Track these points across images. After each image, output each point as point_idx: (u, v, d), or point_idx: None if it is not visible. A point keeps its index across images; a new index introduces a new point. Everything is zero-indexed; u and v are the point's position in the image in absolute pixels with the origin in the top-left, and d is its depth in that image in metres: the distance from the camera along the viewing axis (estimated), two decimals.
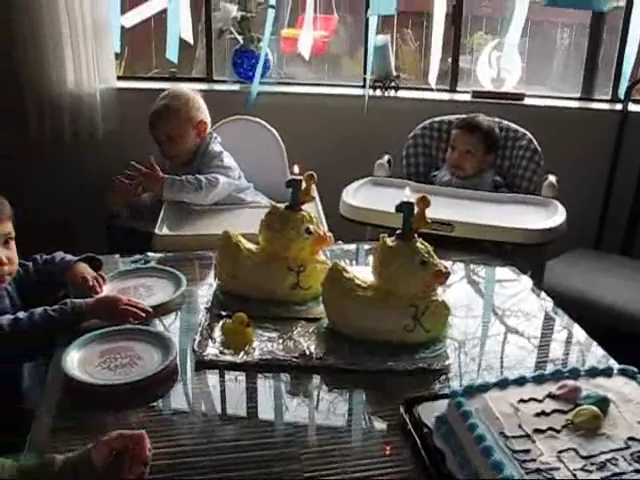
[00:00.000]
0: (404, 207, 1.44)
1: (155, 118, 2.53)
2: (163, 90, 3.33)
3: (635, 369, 1.28)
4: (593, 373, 1.26)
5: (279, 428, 1.28)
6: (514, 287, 1.92)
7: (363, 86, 3.30)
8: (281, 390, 1.38)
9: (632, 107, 3.13)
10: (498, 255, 2.08)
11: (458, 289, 1.89)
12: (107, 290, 1.69)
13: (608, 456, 1.05)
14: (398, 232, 1.47)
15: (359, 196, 2.28)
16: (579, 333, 1.61)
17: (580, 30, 3.45)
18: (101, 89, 3.10)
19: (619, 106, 3.16)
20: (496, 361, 1.50)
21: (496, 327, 1.69)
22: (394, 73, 3.31)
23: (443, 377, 1.40)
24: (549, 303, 1.77)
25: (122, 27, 3.25)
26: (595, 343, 1.55)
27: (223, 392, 1.37)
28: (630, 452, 1.05)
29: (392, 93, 3.30)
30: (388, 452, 1.20)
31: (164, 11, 3.27)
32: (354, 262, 2.04)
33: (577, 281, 2.70)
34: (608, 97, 3.34)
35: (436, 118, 2.73)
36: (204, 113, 2.53)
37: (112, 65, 3.16)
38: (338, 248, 2.02)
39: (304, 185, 1.63)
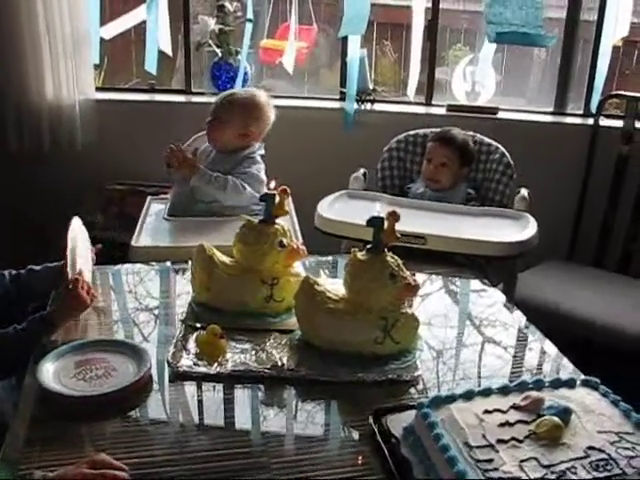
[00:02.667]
0: (374, 222, 1.47)
1: (221, 97, 2.55)
2: (142, 102, 3.37)
3: (597, 380, 1.32)
4: (557, 384, 1.30)
5: (251, 438, 1.30)
6: (490, 297, 1.95)
7: (341, 99, 3.33)
8: (254, 401, 1.41)
9: (604, 122, 3.19)
10: (470, 268, 2.12)
11: (435, 300, 1.94)
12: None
13: (568, 465, 1.08)
14: (369, 246, 1.50)
15: (334, 209, 2.31)
16: (550, 348, 1.64)
17: (556, 45, 3.51)
18: (80, 100, 3.12)
19: (591, 120, 3.22)
20: (473, 371, 1.54)
21: (473, 337, 1.72)
22: (370, 87, 3.35)
23: (420, 387, 1.44)
24: (522, 318, 1.81)
25: (101, 38, 3.27)
26: (565, 359, 1.58)
27: (197, 403, 1.39)
28: (589, 461, 1.09)
29: (368, 106, 3.34)
30: (358, 462, 1.23)
31: (144, 23, 3.30)
32: (330, 274, 2.06)
33: (550, 292, 2.74)
34: (580, 111, 3.40)
35: (411, 132, 2.76)
36: (260, 128, 2.53)
37: (91, 76, 3.18)
38: (315, 260, 2.05)
39: (278, 199, 1.65)
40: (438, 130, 2.67)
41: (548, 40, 3.15)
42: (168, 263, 2.02)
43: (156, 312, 1.74)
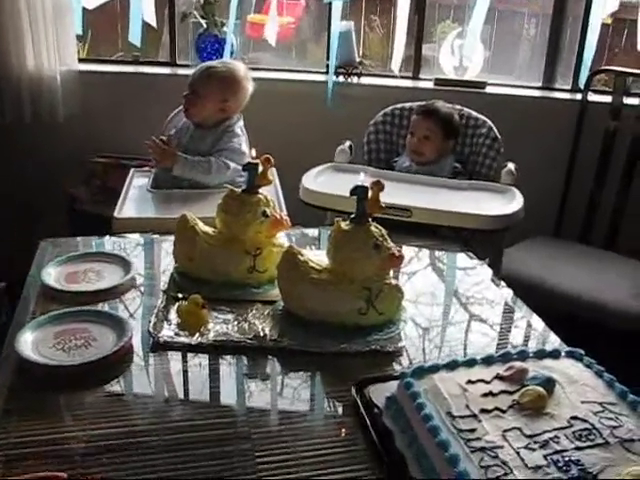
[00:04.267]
0: (358, 191, 1.45)
1: (198, 71, 2.51)
2: (126, 74, 3.33)
3: (582, 351, 1.31)
4: (541, 355, 1.28)
5: (233, 409, 1.28)
6: (477, 274, 1.94)
7: (326, 72, 3.30)
8: (236, 371, 1.39)
9: (592, 97, 3.18)
10: (456, 241, 2.11)
11: (422, 277, 1.92)
12: (55, 275, 1.68)
13: (551, 435, 1.07)
14: (352, 216, 1.48)
15: (319, 181, 2.29)
16: (537, 323, 1.63)
17: (545, 20, 3.49)
18: (62, 71, 3.06)
19: (579, 96, 3.20)
20: (459, 347, 1.52)
21: (459, 314, 1.71)
22: (357, 59, 3.32)
23: (406, 361, 1.42)
24: (509, 293, 1.79)
25: (84, 8, 3.21)
26: (552, 333, 1.57)
27: (178, 373, 1.37)
28: (572, 430, 1.08)
29: (355, 80, 3.31)
30: (340, 432, 1.22)
31: None
32: (314, 247, 2.05)
33: (536, 268, 2.74)
34: (569, 87, 3.38)
35: (397, 105, 2.75)
36: (239, 101, 2.50)
37: (73, 47, 3.12)
38: (300, 232, 2.04)
39: (261, 168, 1.63)
40: (423, 103, 2.65)
41: None
42: (152, 234, 1.99)
43: (140, 284, 1.72)
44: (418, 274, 1.92)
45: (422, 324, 1.59)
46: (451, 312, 1.73)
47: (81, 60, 3.25)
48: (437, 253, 2.06)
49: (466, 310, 1.73)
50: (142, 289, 1.69)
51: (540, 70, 3.46)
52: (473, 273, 1.96)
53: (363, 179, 1.51)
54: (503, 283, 1.84)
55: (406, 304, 1.58)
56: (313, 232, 2.12)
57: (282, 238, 1.73)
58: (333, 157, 2.54)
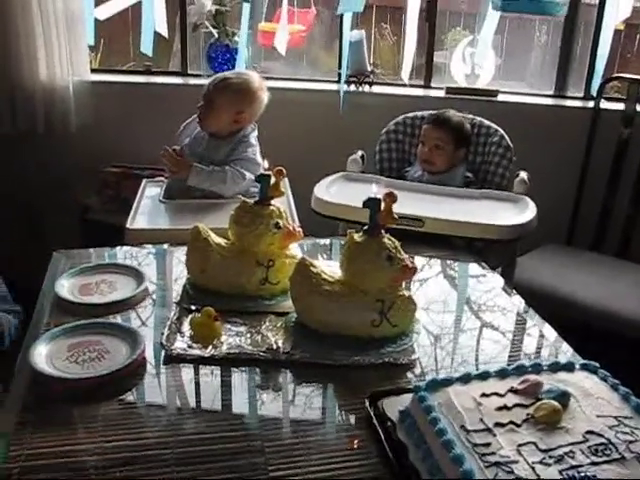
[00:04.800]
0: (370, 203, 1.44)
1: (213, 81, 2.51)
2: (138, 84, 3.34)
3: (597, 364, 1.30)
4: (555, 368, 1.28)
5: (245, 422, 1.28)
6: (489, 282, 1.93)
7: (338, 81, 3.30)
8: (249, 384, 1.39)
9: (604, 104, 3.16)
10: (468, 251, 2.10)
11: (434, 284, 1.92)
12: (68, 287, 1.68)
13: (566, 449, 1.06)
14: (365, 228, 1.48)
15: (331, 191, 2.29)
16: (550, 332, 1.63)
17: (557, 27, 3.48)
18: (74, 82, 3.08)
19: (591, 103, 3.19)
20: (472, 355, 1.52)
21: (471, 322, 1.70)
22: (369, 68, 3.32)
23: (418, 371, 1.42)
24: (521, 302, 1.79)
25: (96, 19, 3.23)
26: (565, 343, 1.57)
27: (190, 386, 1.37)
28: (587, 445, 1.07)
29: (367, 88, 3.31)
30: (353, 445, 1.21)
31: (140, 3, 3.26)
32: (326, 256, 2.04)
33: (548, 276, 2.73)
34: (581, 94, 3.37)
35: (409, 114, 2.74)
36: (254, 112, 2.51)
37: (86, 58, 3.13)
38: (313, 242, 2.04)
39: (273, 180, 1.63)
40: (433, 112, 2.64)
41: (558, 8, 3.07)
42: (165, 245, 2.00)
43: (153, 295, 1.72)
44: (430, 282, 1.92)
45: (434, 332, 1.59)
46: (463, 320, 1.72)
47: (93, 70, 3.26)
48: (449, 262, 2.06)
49: (478, 318, 1.72)
50: (155, 301, 1.69)
51: (552, 77, 3.45)
52: (485, 281, 1.95)
53: (376, 190, 1.51)
54: (515, 292, 1.84)
55: (418, 312, 1.58)
56: (325, 242, 2.12)
57: (295, 249, 1.73)
58: (345, 166, 2.54)
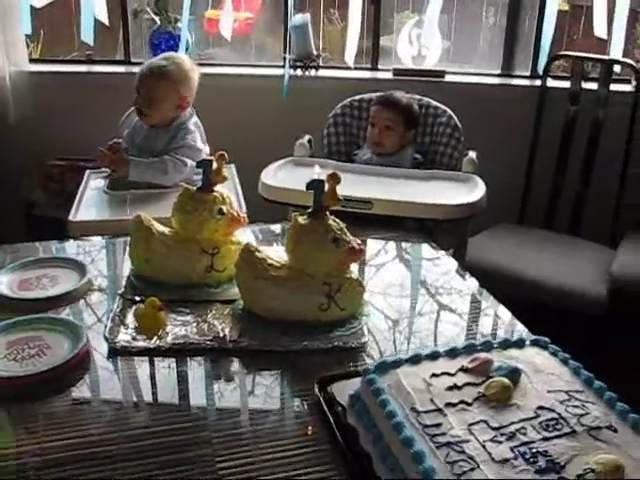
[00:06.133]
0: (314, 184, 1.41)
1: (147, 72, 2.43)
2: (79, 73, 3.26)
3: (547, 339, 1.29)
4: (505, 345, 1.26)
5: (191, 413, 1.24)
6: (444, 265, 1.92)
7: (284, 66, 3.26)
8: (195, 374, 1.35)
9: (551, 83, 3.18)
10: (419, 232, 2.09)
11: (390, 268, 1.90)
12: (7, 282, 1.63)
13: (518, 426, 1.05)
14: (309, 210, 1.45)
15: (278, 176, 2.26)
16: (504, 313, 1.62)
17: (504, 7, 3.49)
18: (11, 72, 2.99)
19: (538, 82, 3.21)
20: (430, 339, 1.51)
21: (428, 305, 1.69)
22: (314, 52, 3.29)
23: (377, 355, 1.40)
24: (475, 284, 1.78)
25: (33, 7, 3.14)
26: (520, 323, 1.56)
27: (136, 379, 1.33)
28: (539, 421, 1.06)
29: (313, 72, 3.28)
30: (303, 432, 1.18)
31: None
32: (279, 242, 2.01)
33: (501, 255, 2.73)
34: (528, 73, 3.38)
35: (356, 97, 2.72)
36: (191, 91, 2.45)
37: (23, 47, 3.05)
38: (266, 228, 2.01)
39: (215, 165, 1.59)
40: (382, 94, 2.63)
41: None
42: (115, 237, 1.94)
43: (97, 287, 1.66)
44: (386, 266, 1.90)
45: (392, 316, 1.57)
46: (420, 303, 1.70)
47: (32, 60, 3.17)
48: (403, 245, 2.04)
49: (435, 300, 1.71)
50: (100, 293, 1.64)
51: (499, 59, 3.45)
52: (440, 263, 1.94)
53: (319, 172, 1.47)
54: (468, 275, 1.82)
55: (375, 296, 1.57)
56: (277, 228, 2.08)
57: (241, 235, 1.70)
58: (293, 152, 2.50)
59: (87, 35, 3.21)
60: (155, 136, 2.40)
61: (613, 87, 3.06)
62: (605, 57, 3.13)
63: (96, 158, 2.34)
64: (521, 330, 1.53)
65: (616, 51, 3.21)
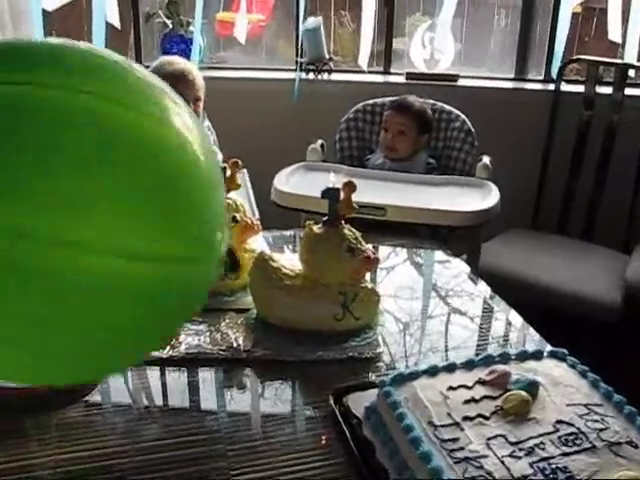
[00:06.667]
0: (329, 193, 1.40)
1: (176, 80, 2.36)
2: None
3: (565, 351, 1.27)
4: (523, 357, 1.25)
5: (206, 424, 1.23)
6: (455, 268, 1.90)
7: (296, 70, 3.25)
8: (209, 385, 1.34)
9: (565, 87, 3.16)
10: (432, 238, 2.07)
11: (401, 272, 1.89)
12: None
13: (536, 441, 1.03)
14: (324, 219, 1.44)
15: (291, 182, 2.25)
16: (516, 319, 1.60)
17: (516, 11, 3.48)
18: None
19: (552, 86, 3.18)
20: (441, 342, 1.49)
21: (439, 308, 1.68)
22: (327, 56, 3.28)
23: (388, 360, 1.39)
24: (487, 290, 1.76)
25: (45, 11, 3.14)
26: (531, 328, 1.54)
27: (149, 390, 1.32)
28: (558, 435, 1.04)
29: (325, 76, 3.27)
30: (318, 444, 1.17)
31: None
32: (292, 247, 2.00)
33: (514, 261, 2.72)
34: (541, 77, 3.36)
35: (369, 101, 2.71)
36: (204, 90, 2.44)
37: None
38: (279, 235, 1.99)
39: (229, 172, 1.58)
40: (395, 98, 2.61)
41: None
42: None
43: None
44: (397, 269, 1.89)
45: (402, 319, 1.56)
46: (431, 306, 1.69)
47: None
48: (414, 249, 2.03)
49: (446, 303, 1.70)
50: None
51: (512, 62, 3.44)
52: (451, 267, 1.92)
53: (334, 180, 1.46)
54: (481, 281, 1.81)
55: (386, 300, 1.55)
56: (291, 233, 2.07)
57: (257, 242, 1.68)
58: (305, 156, 2.49)
59: (98, 38, 3.20)
60: None
61: (628, 91, 3.04)
62: (620, 61, 3.11)
63: None
64: (534, 335, 1.51)
65: (630, 54, 3.18)
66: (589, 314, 2.47)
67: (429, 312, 1.65)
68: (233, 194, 1.63)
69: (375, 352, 1.39)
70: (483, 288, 1.77)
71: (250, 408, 1.29)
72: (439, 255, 1.99)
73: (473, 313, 1.64)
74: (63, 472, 1.08)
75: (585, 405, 1.12)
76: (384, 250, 1.95)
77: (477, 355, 1.26)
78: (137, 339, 0.94)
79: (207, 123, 2.43)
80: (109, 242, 0.77)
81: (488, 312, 1.66)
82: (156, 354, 1.36)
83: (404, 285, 1.75)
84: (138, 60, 3.32)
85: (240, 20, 3.28)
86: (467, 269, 1.89)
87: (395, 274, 1.85)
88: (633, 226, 3.02)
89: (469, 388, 1.15)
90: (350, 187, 1.39)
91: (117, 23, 3.25)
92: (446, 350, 1.46)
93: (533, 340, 1.49)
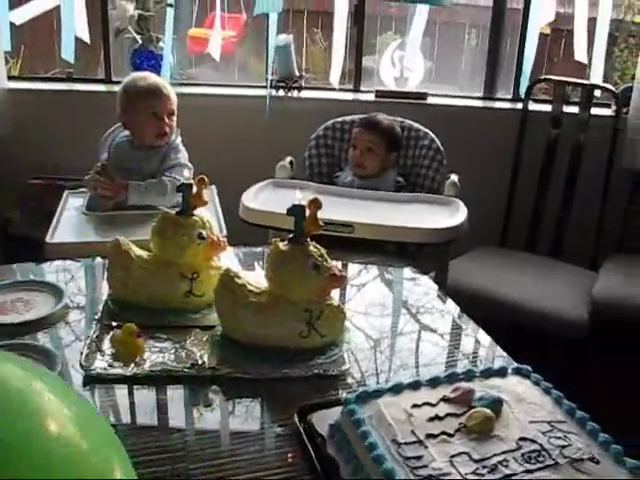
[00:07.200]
0: (295, 210, 1.40)
1: (151, 94, 2.37)
2: (60, 92, 3.23)
3: (529, 368, 1.28)
4: (487, 374, 1.25)
5: (168, 443, 1.21)
6: (425, 285, 1.91)
7: (266, 87, 3.26)
8: (173, 403, 1.32)
9: (532, 106, 3.20)
10: (400, 255, 2.08)
11: (371, 289, 1.89)
12: None
13: (500, 458, 1.04)
14: (290, 236, 1.43)
15: (259, 199, 2.25)
16: (484, 338, 1.60)
17: (486, 30, 3.51)
18: None
19: (520, 105, 3.22)
20: (411, 358, 1.50)
21: (410, 325, 1.68)
22: (297, 73, 3.29)
23: (358, 376, 1.38)
24: (456, 309, 1.76)
25: (12, 25, 3.11)
26: (499, 347, 1.55)
27: (110, 408, 1.30)
28: (521, 452, 1.05)
29: (295, 93, 3.28)
30: (283, 462, 1.16)
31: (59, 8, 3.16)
32: (262, 265, 1.99)
33: (483, 278, 2.73)
34: (510, 96, 3.40)
35: (338, 118, 2.72)
36: (176, 104, 2.44)
37: (1, 64, 3.01)
38: (248, 251, 1.99)
39: (195, 189, 1.57)
40: (364, 116, 2.63)
41: None
42: (94, 259, 1.91)
43: (73, 312, 1.63)
44: (367, 286, 1.90)
45: (373, 336, 1.56)
46: (401, 323, 1.69)
47: (11, 78, 3.14)
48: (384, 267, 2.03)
49: (416, 320, 1.70)
50: (76, 318, 1.61)
51: (481, 79, 3.47)
52: (421, 284, 1.93)
53: (300, 197, 1.46)
54: (449, 300, 1.81)
55: (356, 316, 1.56)
56: (261, 250, 2.06)
57: (227, 259, 1.68)
58: (274, 173, 2.49)
59: (67, 53, 3.18)
60: (145, 158, 2.37)
61: (594, 111, 3.08)
62: (586, 82, 3.15)
63: (85, 185, 2.31)
64: (501, 353, 1.51)
65: (596, 75, 3.23)
66: (556, 330, 2.49)
67: (399, 329, 1.65)
68: (200, 210, 1.62)
69: (341, 369, 1.38)
70: (452, 306, 1.78)
71: (215, 425, 1.28)
72: (407, 272, 2.00)
73: (443, 330, 1.64)
74: None
75: (548, 422, 1.13)
76: (354, 267, 1.95)
77: (446, 372, 1.26)
78: None
79: (179, 139, 2.43)
80: None
81: (457, 330, 1.66)
82: (120, 371, 1.35)
83: (374, 302, 1.75)
84: (108, 75, 3.31)
85: (215, 37, 3.28)
86: (435, 287, 1.89)
87: (365, 291, 1.85)
88: (600, 243, 3.05)
89: (433, 405, 1.15)
90: (316, 204, 1.39)
91: (87, 38, 3.24)
92: (416, 367, 1.46)
93: (501, 357, 1.50)
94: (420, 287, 1.91)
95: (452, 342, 1.59)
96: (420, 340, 1.60)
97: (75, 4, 3.12)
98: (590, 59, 3.24)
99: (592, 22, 3.21)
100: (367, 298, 1.78)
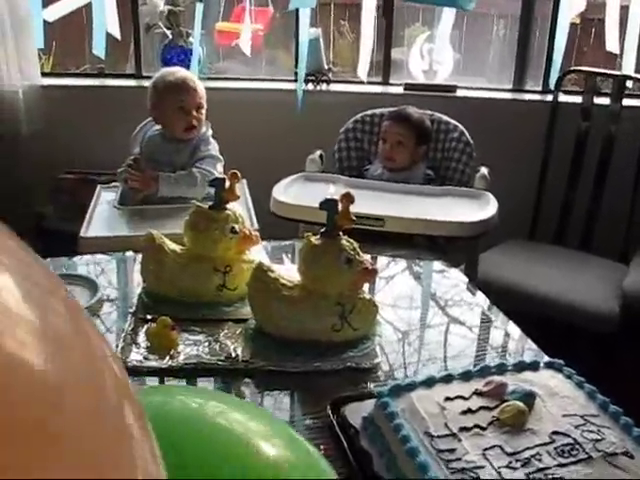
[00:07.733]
0: (327, 205, 1.40)
1: (179, 89, 2.40)
2: (91, 87, 3.27)
3: (562, 362, 1.28)
4: (520, 368, 1.25)
5: None
6: (454, 278, 1.91)
7: (295, 80, 3.27)
8: None
9: (562, 97, 3.17)
10: (431, 249, 2.08)
11: (399, 281, 1.90)
12: None
13: (533, 452, 1.04)
14: (322, 230, 1.44)
15: (290, 192, 2.26)
16: (514, 330, 1.60)
17: (514, 21, 3.49)
18: (24, 86, 3.00)
19: (550, 97, 3.19)
20: (439, 351, 1.50)
21: (438, 317, 1.69)
22: (326, 66, 3.29)
23: (387, 369, 1.39)
24: (485, 301, 1.76)
25: (45, 21, 3.16)
26: (529, 340, 1.55)
27: None
28: (554, 446, 1.05)
29: (324, 87, 3.28)
30: None
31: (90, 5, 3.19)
32: (291, 258, 2.01)
33: (511, 271, 2.72)
34: (539, 88, 3.37)
35: (368, 112, 2.72)
36: (205, 98, 2.46)
37: (35, 61, 3.07)
38: (277, 245, 2.00)
39: (228, 184, 1.59)
40: (393, 109, 2.62)
41: (466, 3, 3.04)
42: (121, 253, 1.94)
43: (108, 305, 1.66)
44: (395, 279, 1.90)
45: (401, 328, 1.57)
46: (429, 315, 1.70)
47: (44, 74, 3.18)
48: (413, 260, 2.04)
49: (444, 313, 1.71)
50: (112, 312, 1.64)
51: (510, 70, 3.45)
52: (450, 276, 1.93)
53: (333, 191, 1.47)
54: (479, 292, 1.81)
55: (385, 309, 1.56)
56: (289, 243, 2.07)
57: (256, 252, 1.69)
58: (304, 167, 2.50)
59: (98, 48, 3.22)
60: (176, 150, 2.39)
61: (625, 102, 3.05)
62: (618, 73, 3.12)
63: (118, 179, 2.34)
64: (531, 346, 1.51)
65: (628, 65, 3.20)
66: (586, 324, 2.48)
67: (428, 321, 1.66)
68: (232, 205, 1.63)
69: (373, 362, 1.39)
70: (481, 298, 1.78)
71: None
72: (437, 265, 2.00)
73: (471, 323, 1.64)
74: None
75: (581, 416, 1.13)
76: (383, 260, 1.96)
77: (475, 365, 1.27)
78: None
79: (210, 132, 2.44)
80: None
81: (486, 322, 1.66)
82: (155, 364, 1.37)
83: (403, 295, 1.76)
84: (138, 71, 3.34)
85: (245, 31, 3.29)
86: (465, 279, 1.89)
87: (394, 284, 1.86)
88: (631, 236, 3.02)
89: (466, 399, 1.15)
90: (348, 199, 1.39)
91: (117, 34, 3.27)
92: (445, 359, 1.47)
93: (531, 350, 1.50)
94: (449, 280, 1.91)
95: (481, 335, 1.59)
96: (448, 332, 1.60)
97: (106, 0, 3.15)
98: (622, 49, 3.20)
99: (624, 11, 3.17)
100: (395, 291, 1.79)
